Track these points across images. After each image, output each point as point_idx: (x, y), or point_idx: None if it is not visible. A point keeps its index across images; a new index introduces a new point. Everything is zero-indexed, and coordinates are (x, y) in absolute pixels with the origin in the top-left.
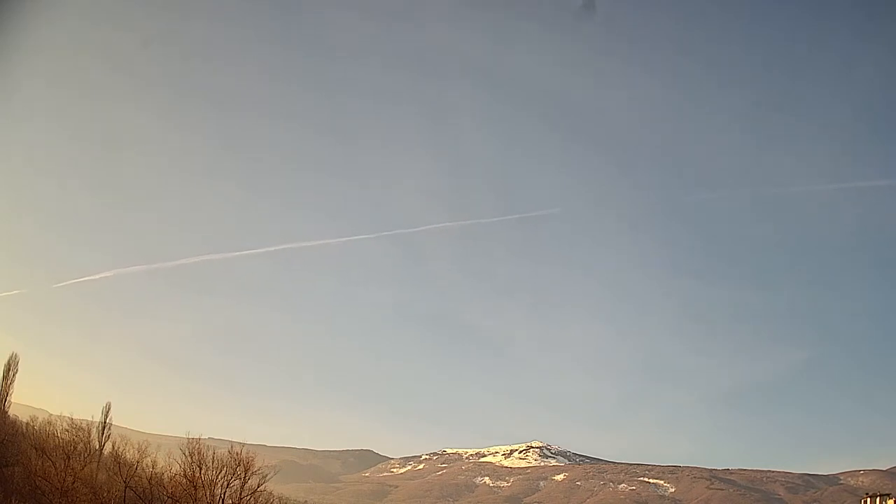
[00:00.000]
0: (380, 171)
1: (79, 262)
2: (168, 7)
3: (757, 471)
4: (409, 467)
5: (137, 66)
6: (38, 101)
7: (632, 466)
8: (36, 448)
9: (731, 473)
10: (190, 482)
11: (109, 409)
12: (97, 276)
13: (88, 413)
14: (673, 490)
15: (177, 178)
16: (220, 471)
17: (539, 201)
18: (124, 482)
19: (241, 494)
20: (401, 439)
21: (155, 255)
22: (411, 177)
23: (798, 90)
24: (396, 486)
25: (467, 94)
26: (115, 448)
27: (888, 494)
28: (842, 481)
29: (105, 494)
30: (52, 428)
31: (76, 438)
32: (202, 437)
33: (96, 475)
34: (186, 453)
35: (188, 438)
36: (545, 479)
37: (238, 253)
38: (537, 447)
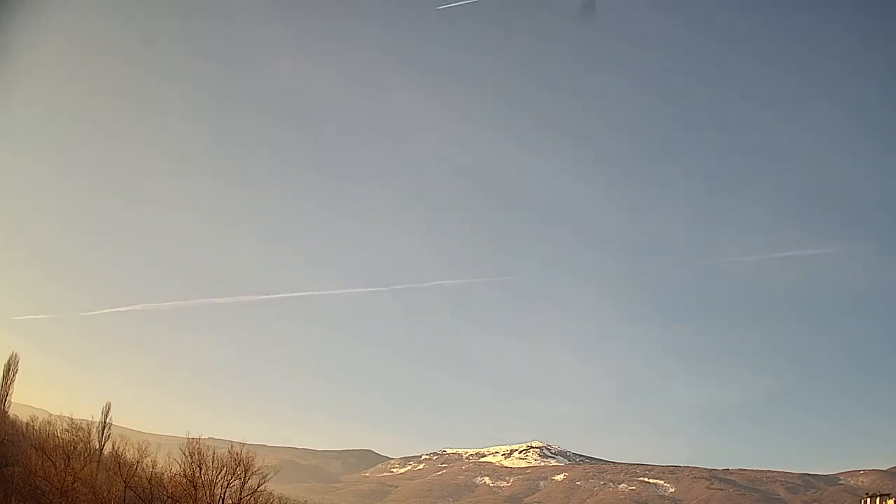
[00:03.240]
0: (385, 240)
1: (110, 293)
2: (169, 4)
3: (757, 471)
4: (409, 467)
5: (142, 66)
6: (71, 109)
7: (632, 466)
8: (36, 448)
9: (731, 473)
10: (190, 482)
11: (109, 409)
12: (126, 308)
13: (88, 413)
14: (673, 490)
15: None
16: (220, 471)
17: (519, 268)
18: (124, 482)
19: (241, 494)
20: (401, 439)
21: (179, 294)
22: (412, 246)
23: (738, 175)
24: (396, 486)
25: (456, 191)
26: (115, 448)
27: (888, 494)
28: (842, 481)
29: (105, 494)
30: (52, 428)
31: (76, 438)
32: (202, 437)
33: (96, 475)
34: (186, 453)
35: (188, 438)
36: (545, 479)
37: (258, 297)
38: (537, 447)
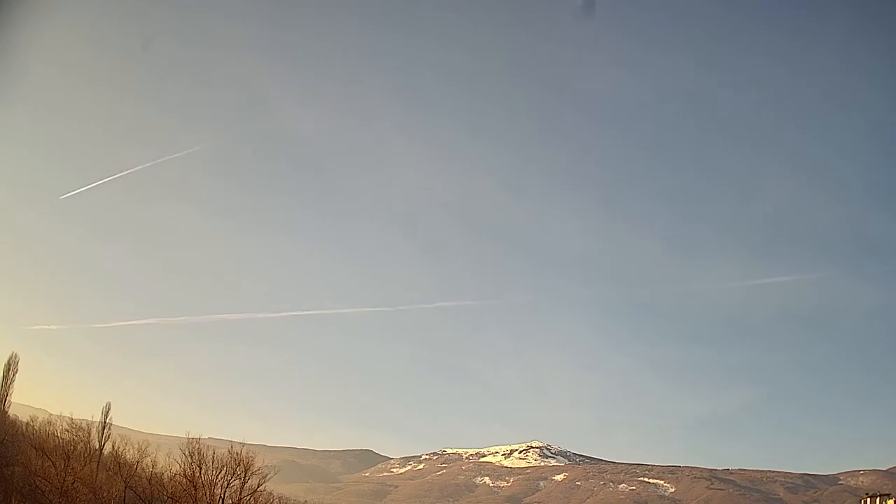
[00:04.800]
0: (390, 268)
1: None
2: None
3: (757, 471)
4: (409, 467)
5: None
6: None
7: (632, 466)
8: (36, 448)
9: (731, 473)
10: (190, 482)
11: (109, 409)
12: (140, 322)
13: (88, 413)
14: (673, 490)
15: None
16: (220, 471)
17: (514, 293)
18: (124, 482)
19: (241, 494)
20: (401, 439)
21: (192, 310)
22: (416, 272)
23: (709, 212)
24: (396, 486)
25: (454, 226)
26: (115, 448)
27: (888, 494)
28: (842, 481)
29: (105, 494)
30: (52, 428)
31: (76, 438)
32: (202, 437)
33: (96, 475)
34: (186, 453)
35: (188, 438)
36: (545, 479)
37: (269, 315)
38: (537, 447)
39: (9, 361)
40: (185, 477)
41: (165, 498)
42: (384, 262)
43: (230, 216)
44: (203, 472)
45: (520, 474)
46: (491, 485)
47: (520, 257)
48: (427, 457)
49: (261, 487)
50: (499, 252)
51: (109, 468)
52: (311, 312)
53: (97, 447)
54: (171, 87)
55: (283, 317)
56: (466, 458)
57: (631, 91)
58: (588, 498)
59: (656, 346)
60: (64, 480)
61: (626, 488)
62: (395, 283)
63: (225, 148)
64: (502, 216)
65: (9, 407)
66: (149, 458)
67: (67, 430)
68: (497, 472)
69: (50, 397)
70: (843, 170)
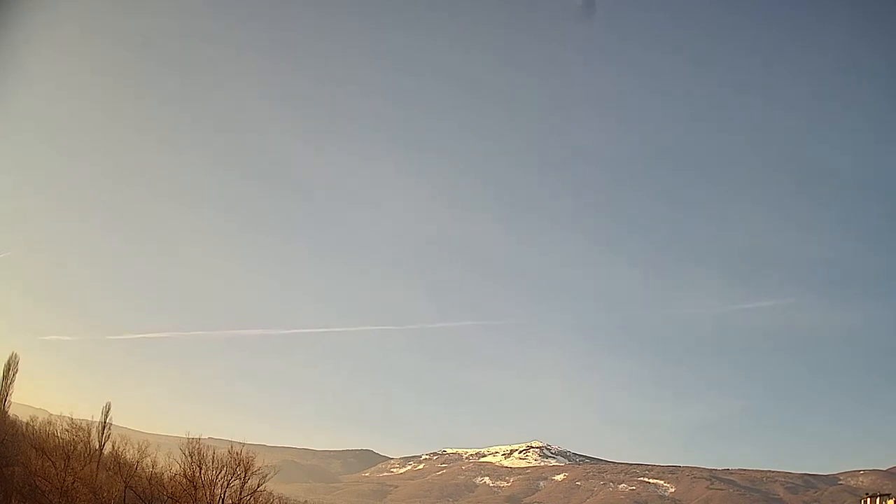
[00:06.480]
0: (395, 291)
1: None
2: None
3: (757, 471)
4: (409, 467)
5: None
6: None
7: (632, 466)
8: (36, 448)
9: (731, 473)
10: (190, 482)
11: (109, 409)
12: (153, 335)
13: (88, 413)
14: (673, 490)
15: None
16: (220, 471)
17: (509, 315)
18: (124, 482)
19: (241, 494)
20: (401, 439)
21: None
22: (417, 296)
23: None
24: (396, 486)
25: (453, 259)
26: (115, 448)
27: (888, 494)
28: (842, 481)
29: (105, 494)
30: (52, 428)
31: (76, 438)
32: (202, 437)
33: (96, 475)
34: (186, 453)
35: (188, 438)
36: (545, 479)
37: (279, 331)
38: (537, 447)
39: (9, 361)
40: (185, 477)
41: (165, 498)
42: (388, 283)
43: (236, 225)
44: (203, 472)
45: (520, 474)
46: (491, 485)
47: (518, 282)
48: (427, 457)
49: (261, 487)
50: (497, 277)
51: (109, 468)
52: (317, 330)
53: (97, 447)
54: (169, 89)
55: (294, 334)
56: (466, 458)
57: (630, 92)
58: (588, 498)
59: (656, 352)
60: (64, 480)
61: (626, 488)
62: (398, 304)
63: (225, 152)
64: (501, 242)
65: (9, 407)
66: (149, 458)
67: (67, 430)
68: (497, 472)
69: (50, 398)
70: (824, 197)
